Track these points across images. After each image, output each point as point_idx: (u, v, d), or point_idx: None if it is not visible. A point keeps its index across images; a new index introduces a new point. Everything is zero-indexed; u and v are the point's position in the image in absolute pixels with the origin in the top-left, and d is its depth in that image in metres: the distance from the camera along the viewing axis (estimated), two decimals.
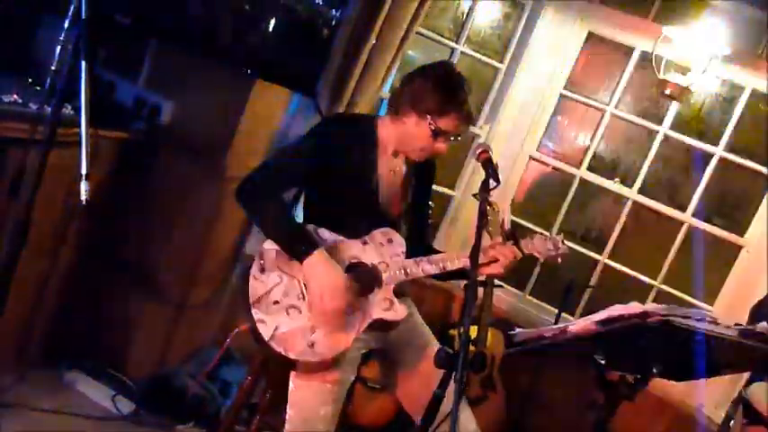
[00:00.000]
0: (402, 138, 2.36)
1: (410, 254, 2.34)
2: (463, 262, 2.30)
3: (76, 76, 1.99)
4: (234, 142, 3.32)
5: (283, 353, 2.17)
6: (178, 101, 3.33)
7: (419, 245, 2.45)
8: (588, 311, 3.90)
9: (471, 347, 1.79)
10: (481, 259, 2.22)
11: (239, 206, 2.33)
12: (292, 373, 2.30)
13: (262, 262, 2.27)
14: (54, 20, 3.01)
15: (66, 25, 2.68)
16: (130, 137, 3.23)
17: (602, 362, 1.92)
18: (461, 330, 1.87)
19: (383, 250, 2.32)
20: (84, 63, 1.97)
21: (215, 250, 3.50)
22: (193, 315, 3.50)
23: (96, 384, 3.32)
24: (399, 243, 2.34)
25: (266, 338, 2.17)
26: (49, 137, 2.00)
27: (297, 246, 2.23)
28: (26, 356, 3.20)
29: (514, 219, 4.08)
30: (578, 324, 1.88)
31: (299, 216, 2.49)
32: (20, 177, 2.36)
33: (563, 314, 3.69)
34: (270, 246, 2.29)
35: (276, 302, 2.22)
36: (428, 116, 2.27)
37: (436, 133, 2.29)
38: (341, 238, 2.32)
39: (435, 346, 2.43)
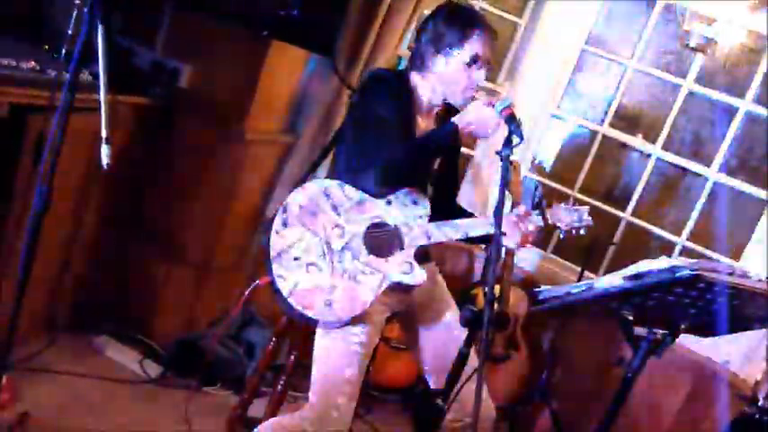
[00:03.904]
0: (438, 87, 2.32)
1: (434, 216, 2.30)
2: (486, 228, 2.27)
3: (93, 40, 1.97)
4: (252, 105, 3.30)
5: (302, 310, 2.17)
6: (196, 65, 3.32)
7: (445, 207, 2.41)
8: (611, 270, 3.88)
9: (495, 306, 1.79)
10: (505, 229, 2.22)
11: (395, 187, 2.28)
12: (318, 332, 2.30)
13: (285, 216, 2.24)
14: None
15: None
16: (149, 102, 3.23)
17: (630, 318, 1.90)
18: (485, 289, 1.86)
19: (407, 211, 2.29)
20: (101, 27, 1.95)
21: (237, 212, 3.51)
22: (218, 278, 3.52)
23: (124, 348, 3.37)
24: (424, 205, 2.30)
25: (285, 295, 2.17)
26: (67, 102, 1.99)
27: (441, 134, 2.22)
28: (55, 322, 3.25)
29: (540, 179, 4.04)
30: (605, 280, 1.86)
31: (322, 175, 2.46)
32: (40, 143, 2.37)
33: (586, 272, 3.67)
34: (294, 199, 2.26)
35: (296, 258, 2.21)
36: (453, 49, 2.24)
37: (469, 62, 2.25)
38: (366, 195, 2.28)
39: (455, 312, 2.43)
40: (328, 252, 2.23)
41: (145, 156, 3.30)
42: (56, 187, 2.02)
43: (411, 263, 2.26)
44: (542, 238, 4.11)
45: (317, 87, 3.63)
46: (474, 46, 2.24)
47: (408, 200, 2.30)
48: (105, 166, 1.94)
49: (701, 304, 1.81)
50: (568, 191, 4.05)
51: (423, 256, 2.33)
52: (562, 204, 2.38)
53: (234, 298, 3.65)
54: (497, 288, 3.35)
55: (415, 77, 2.35)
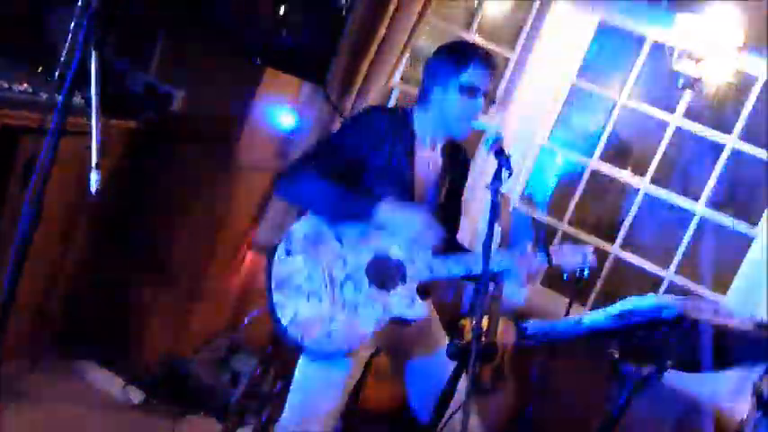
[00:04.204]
0: (438, 118, 2.34)
1: (438, 250, 2.29)
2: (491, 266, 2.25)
3: (87, 65, 1.98)
4: (244, 131, 3.31)
5: (299, 340, 2.16)
6: (189, 89, 3.32)
7: (449, 242, 2.41)
8: (599, 302, 3.89)
9: (482, 338, 1.79)
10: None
11: (280, 198, 2.31)
12: (301, 360, 2.28)
13: (288, 244, 2.25)
14: (64, 9, 3.01)
15: (76, 14, 2.68)
16: (141, 126, 3.23)
17: (616, 354, 1.90)
18: (473, 322, 1.86)
19: (411, 244, 2.28)
20: (94, 53, 1.96)
21: (226, 239, 3.50)
22: (204, 304, 3.50)
23: (107, 373, 3.33)
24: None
25: (284, 324, 2.16)
26: (59, 125, 1.99)
27: (358, 205, 2.21)
28: (38, 344, 3.21)
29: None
30: (592, 316, 1.86)
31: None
32: (31, 166, 2.36)
33: (574, 305, 3.67)
34: (298, 228, 2.26)
35: (298, 287, 2.21)
36: (450, 79, 2.27)
37: (464, 92, 2.26)
38: (370, 228, 2.26)
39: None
40: (330, 282, 2.22)
41: (134, 180, 3.29)
42: (44, 210, 2.01)
43: (413, 297, 2.25)
44: None
45: (310, 115, 3.65)
46: (470, 76, 2.26)
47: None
48: (94, 193, 1.93)
49: (687, 342, 1.82)
50: (557, 223, 4.06)
51: (423, 290, 2.32)
52: (567, 244, 2.37)
53: (220, 325, 3.64)
54: (485, 319, 3.34)
55: (418, 112, 2.39)
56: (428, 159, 2.39)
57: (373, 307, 2.22)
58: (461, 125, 2.32)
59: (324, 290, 2.21)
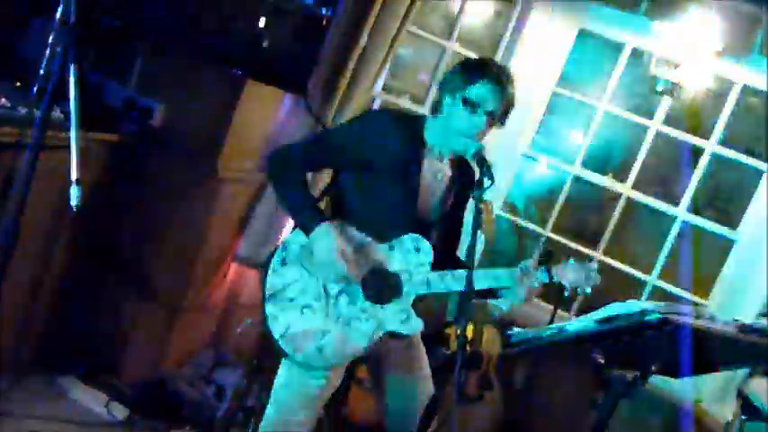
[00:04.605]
0: (444, 131, 2.28)
1: (437, 264, 2.26)
2: (489, 282, 2.22)
3: (65, 79, 1.96)
4: (226, 143, 3.29)
5: (291, 353, 2.15)
6: (169, 102, 3.31)
7: (448, 256, 2.37)
8: (584, 308, 3.90)
9: (468, 346, 1.79)
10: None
11: (265, 174, 2.31)
12: (281, 367, 2.27)
13: (284, 254, 2.23)
14: (42, 23, 2.99)
15: (54, 28, 2.67)
16: (121, 139, 3.21)
17: (601, 360, 1.91)
18: (458, 332, 1.86)
19: (409, 258, 2.25)
20: (73, 67, 1.95)
21: (209, 252, 3.48)
22: (188, 317, 3.48)
23: (90, 390, 3.29)
24: (427, 253, 2.25)
25: (276, 337, 2.15)
26: (38, 140, 1.97)
27: (305, 215, 2.20)
28: (20, 361, 3.17)
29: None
30: (576, 323, 1.87)
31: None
32: (9, 181, 2.34)
33: (558, 311, 3.68)
34: (294, 238, 2.24)
35: (291, 300, 2.19)
36: (457, 92, 2.22)
37: (467, 104, 2.20)
38: (368, 239, 2.25)
39: (427, 367, 2.41)
40: (324, 295, 2.20)
41: (116, 194, 3.27)
42: (24, 225, 1.99)
43: (408, 311, 2.23)
44: None
45: (292, 125, 3.64)
46: (477, 91, 2.20)
47: (411, 246, 2.26)
48: (74, 208, 1.92)
49: (671, 346, 1.83)
50: (540, 230, 4.08)
51: (416, 304, 2.28)
52: (571, 262, 2.26)
53: (203, 339, 3.61)
54: (470, 328, 3.35)
55: (429, 121, 2.34)
56: (436, 169, 2.34)
57: (368, 321, 2.20)
58: (460, 140, 2.23)
59: (318, 302, 2.19)
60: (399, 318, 2.22)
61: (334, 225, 2.20)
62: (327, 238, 2.15)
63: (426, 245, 2.26)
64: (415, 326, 2.23)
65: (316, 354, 2.16)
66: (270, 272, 2.21)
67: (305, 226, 2.19)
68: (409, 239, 2.26)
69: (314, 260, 2.18)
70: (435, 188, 2.34)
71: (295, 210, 2.25)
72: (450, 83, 2.26)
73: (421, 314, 2.54)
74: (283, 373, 2.26)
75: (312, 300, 2.20)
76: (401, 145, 2.26)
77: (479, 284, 2.19)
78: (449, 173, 2.37)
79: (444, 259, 2.30)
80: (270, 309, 2.17)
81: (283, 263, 2.22)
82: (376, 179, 2.25)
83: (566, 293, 2.24)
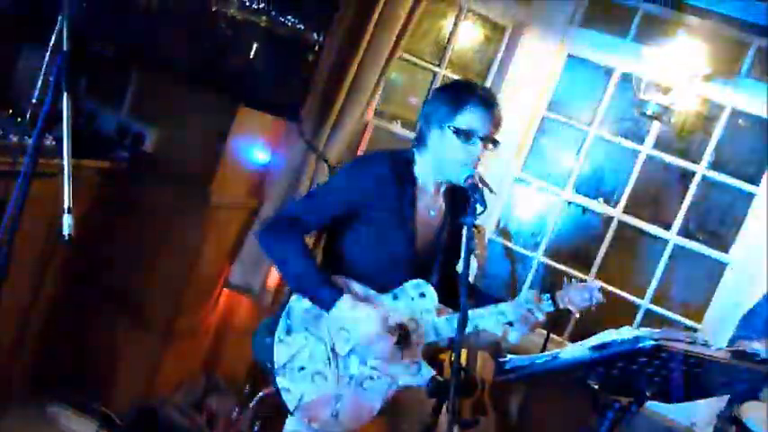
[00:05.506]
0: (437, 163, 2.22)
1: (441, 299, 2.22)
2: (496, 319, 2.20)
3: (58, 107, 1.96)
4: (218, 169, 3.30)
5: (307, 423, 2.11)
6: (161, 129, 3.31)
7: (451, 291, 2.28)
8: (577, 333, 3.89)
9: (462, 372, 1.78)
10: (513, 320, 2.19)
11: (261, 249, 2.22)
12: (288, 422, 2.23)
13: (288, 321, 2.17)
14: (34, 51, 3.00)
15: (47, 56, 2.67)
16: (114, 166, 3.21)
17: (596, 387, 1.90)
18: (452, 358, 1.85)
19: (414, 305, 2.21)
20: (66, 95, 1.95)
21: (200, 278, 3.46)
22: (180, 344, 3.45)
23: (80, 418, 3.25)
24: (431, 297, 2.21)
25: (291, 409, 2.12)
26: (30, 168, 1.97)
27: (322, 293, 2.11)
28: (9, 389, 3.13)
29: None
30: (570, 350, 1.87)
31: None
32: (1, 209, 2.33)
33: (552, 336, 3.68)
34: (297, 303, 2.19)
35: (302, 369, 2.14)
36: (446, 123, 2.15)
37: (459, 134, 2.13)
38: (372, 292, 2.20)
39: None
40: (333, 358, 2.15)
41: (107, 220, 3.26)
42: (15, 252, 1.98)
43: (418, 362, 2.19)
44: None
45: (285, 152, 3.65)
46: (467, 119, 2.14)
47: (416, 293, 2.22)
48: (67, 237, 1.91)
49: (665, 372, 1.82)
50: (532, 254, 4.08)
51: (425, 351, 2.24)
52: (573, 287, 2.24)
53: (195, 366, 3.58)
54: (464, 353, 3.33)
55: (416, 157, 2.27)
56: (429, 205, 2.29)
57: (380, 379, 2.15)
58: (459, 170, 2.14)
59: (328, 367, 2.14)
60: (411, 371, 2.18)
61: (347, 292, 2.12)
62: (365, 311, 2.10)
63: (430, 289, 2.22)
64: (427, 375, 2.18)
65: (333, 421, 2.12)
66: (276, 343, 2.15)
67: (323, 302, 2.11)
68: (411, 287, 2.22)
69: (350, 335, 2.11)
70: (431, 224, 2.30)
71: (305, 287, 2.15)
72: (434, 115, 2.19)
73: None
74: (291, 423, 2.22)
75: (322, 365, 2.14)
76: (397, 190, 2.20)
77: (485, 323, 2.19)
78: (442, 205, 2.33)
79: (448, 294, 2.25)
80: (281, 382, 2.12)
81: (288, 331, 2.16)
82: (373, 229, 2.20)
83: (576, 316, 2.22)
